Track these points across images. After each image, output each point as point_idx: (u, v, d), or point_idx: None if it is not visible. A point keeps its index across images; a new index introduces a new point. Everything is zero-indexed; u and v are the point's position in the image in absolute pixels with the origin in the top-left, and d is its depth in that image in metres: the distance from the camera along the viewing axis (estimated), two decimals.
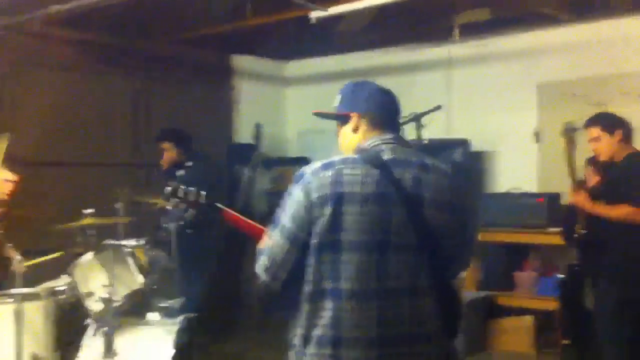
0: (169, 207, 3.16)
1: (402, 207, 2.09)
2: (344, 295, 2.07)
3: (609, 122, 4.30)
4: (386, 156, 2.16)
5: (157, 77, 6.80)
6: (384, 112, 2.27)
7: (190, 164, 5.62)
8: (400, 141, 2.25)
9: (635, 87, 5.76)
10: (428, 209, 2.13)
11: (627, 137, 4.28)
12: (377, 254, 2.07)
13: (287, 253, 2.12)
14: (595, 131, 4.31)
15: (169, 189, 2.64)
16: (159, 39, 6.69)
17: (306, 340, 2.12)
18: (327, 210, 2.07)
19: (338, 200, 2.07)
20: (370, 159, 2.14)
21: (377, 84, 2.34)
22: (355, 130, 2.27)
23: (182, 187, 2.62)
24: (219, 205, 2.60)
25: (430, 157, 2.25)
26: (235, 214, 2.60)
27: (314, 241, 2.09)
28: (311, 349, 2.10)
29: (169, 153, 5.72)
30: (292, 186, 2.16)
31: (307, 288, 2.11)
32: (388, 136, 2.23)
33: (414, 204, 2.11)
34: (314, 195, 2.09)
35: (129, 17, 6.06)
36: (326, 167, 2.13)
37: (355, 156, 2.17)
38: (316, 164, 2.16)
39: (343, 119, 2.30)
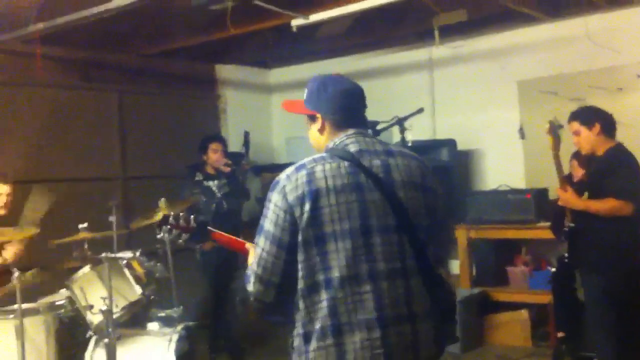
0: (159, 236, 3.21)
1: (377, 191, 2.18)
2: (337, 283, 2.13)
3: (587, 116, 4.37)
4: (353, 149, 2.24)
5: (143, 91, 6.80)
6: (347, 112, 2.33)
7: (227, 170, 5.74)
8: (363, 134, 2.32)
9: (610, 81, 5.86)
10: (401, 191, 2.21)
11: (607, 129, 4.33)
12: (362, 239, 2.15)
13: (275, 257, 2.17)
14: (575, 125, 4.39)
15: (162, 203, 2.69)
16: (142, 52, 6.71)
17: (307, 337, 2.16)
18: (306, 208, 2.13)
19: (315, 196, 2.14)
20: (339, 153, 2.23)
21: (343, 81, 2.37)
22: (322, 131, 2.34)
23: (172, 213, 2.67)
24: (209, 228, 2.66)
25: (394, 145, 2.37)
26: (225, 234, 2.67)
27: (300, 239, 2.14)
28: (313, 344, 2.14)
29: (217, 155, 5.77)
30: (270, 194, 2.23)
31: (300, 285, 2.16)
32: (351, 131, 2.30)
33: (387, 187, 2.20)
34: (291, 197, 2.15)
35: (111, 31, 6.07)
36: (299, 169, 2.21)
37: (324, 154, 2.26)
38: (289, 169, 2.24)
39: (310, 117, 2.37)
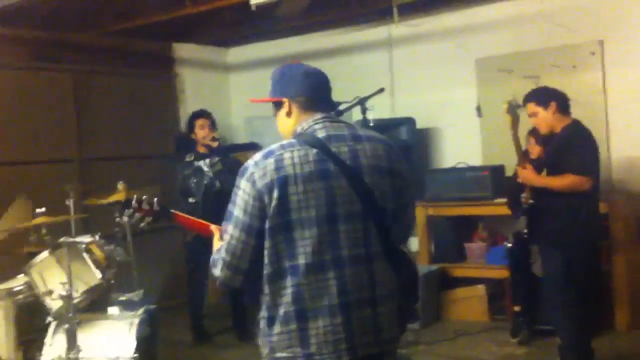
0: (125, 218, 3.09)
1: (344, 178, 2.21)
2: (302, 270, 2.17)
3: (542, 97, 4.48)
4: (321, 134, 2.27)
5: (99, 70, 6.68)
6: (313, 93, 2.35)
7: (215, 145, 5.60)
8: (331, 119, 2.35)
9: (565, 59, 5.94)
10: (368, 176, 2.25)
11: (562, 107, 4.45)
12: (327, 227, 2.19)
13: (244, 244, 2.20)
14: (531, 107, 4.50)
15: (120, 186, 2.64)
16: (97, 30, 6.59)
17: (271, 320, 2.21)
18: (275, 195, 2.16)
19: (283, 183, 2.17)
20: (307, 139, 2.25)
21: (305, 66, 2.43)
22: (289, 114, 2.36)
23: (134, 196, 2.62)
24: (172, 210, 2.64)
25: (362, 129, 2.39)
26: (188, 216, 2.66)
27: (267, 225, 2.18)
28: (277, 328, 2.19)
29: (203, 131, 5.64)
30: (239, 180, 2.25)
31: (266, 270, 2.19)
32: (319, 116, 2.32)
33: (354, 174, 2.23)
34: (260, 184, 2.18)
35: (66, 10, 5.96)
36: (267, 155, 2.23)
37: (292, 140, 2.27)
38: (257, 156, 2.26)
39: (277, 105, 2.39)
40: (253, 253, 2.20)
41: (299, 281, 2.17)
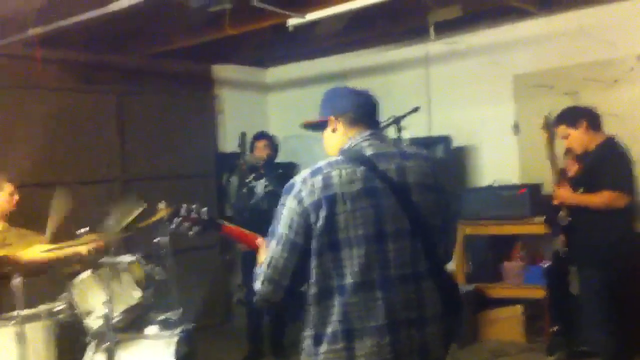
0: (172, 227, 3.10)
1: (392, 197, 2.21)
2: (349, 289, 2.17)
3: (571, 117, 4.47)
4: (368, 152, 2.28)
5: (140, 92, 6.82)
6: (358, 110, 2.38)
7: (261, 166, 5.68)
8: (378, 136, 2.37)
9: (605, 73, 5.87)
10: (415, 194, 2.25)
11: (593, 125, 4.43)
12: (375, 246, 2.18)
13: (286, 260, 2.21)
14: (562, 129, 4.48)
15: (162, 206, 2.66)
16: (139, 53, 6.74)
17: (317, 339, 2.21)
18: (322, 214, 2.17)
19: (331, 202, 2.17)
20: (354, 157, 2.26)
21: (350, 87, 2.48)
22: (334, 130, 2.39)
23: (184, 205, 2.66)
24: (219, 221, 2.65)
25: (408, 146, 2.44)
26: (236, 227, 2.66)
27: (314, 244, 2.18)
28: (324, 347, 2.19)
29: (257, 152, 5.76)
30: (284, 197, 2.25)
31: (313, 289, 2.20)
32: (366, 133, 2.34)
33: (402, 192, 2.23)
34: (307, 202, 2.19)
35: (110, 33, 6.10)
36: (314, 173, 2.23)
37: (339, 157, 2.28)
38: (304, 172, 2.26)
39: (323, 125, 2.43)
40: (295, 271, 2.20)
41: (347, 300, 2.17)
